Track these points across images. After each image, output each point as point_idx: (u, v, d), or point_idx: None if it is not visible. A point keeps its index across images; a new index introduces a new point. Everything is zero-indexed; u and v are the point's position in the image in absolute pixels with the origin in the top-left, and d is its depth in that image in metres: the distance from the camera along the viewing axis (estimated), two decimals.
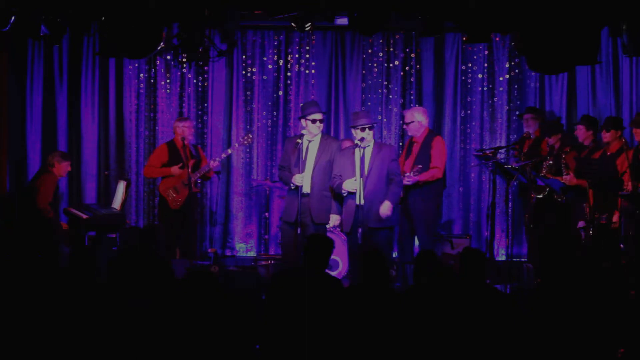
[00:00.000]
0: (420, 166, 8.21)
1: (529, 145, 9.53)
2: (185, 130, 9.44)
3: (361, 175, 7.78)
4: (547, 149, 9.30)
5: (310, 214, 8.07)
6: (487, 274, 5.78)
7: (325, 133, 8.62)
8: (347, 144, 8.42)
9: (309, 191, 8.09)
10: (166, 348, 5.01)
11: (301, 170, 8.03)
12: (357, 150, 7.85)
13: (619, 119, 8.92)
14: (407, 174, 8.23)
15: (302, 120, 8.20)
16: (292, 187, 8.11)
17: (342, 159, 7.99)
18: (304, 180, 8.04)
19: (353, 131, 7.98)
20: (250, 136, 9.75)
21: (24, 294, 5.36)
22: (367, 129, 7.86)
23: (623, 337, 5.31)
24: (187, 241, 9.57)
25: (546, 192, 8.86)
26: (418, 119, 8.67)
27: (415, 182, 8.35)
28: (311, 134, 8.13)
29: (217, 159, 9.54)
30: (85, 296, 5.30)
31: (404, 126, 8.90)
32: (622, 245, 7.94)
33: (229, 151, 9.85)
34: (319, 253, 5.82)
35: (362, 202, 7.76)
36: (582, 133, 8.86)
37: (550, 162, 8.95)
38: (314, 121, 8.10)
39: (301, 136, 8.14)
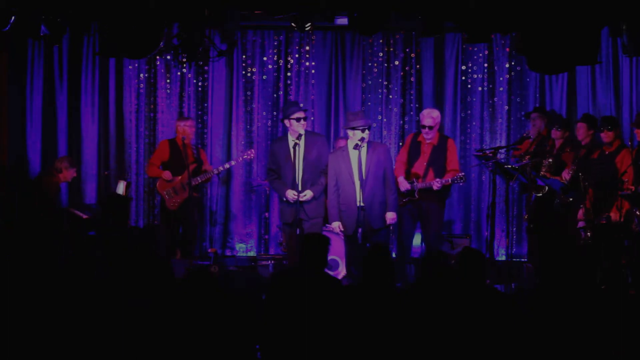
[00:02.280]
0: (462, 173, 8.40)
1: (537, 143, 9.49)
2: (186, 129, 9.46)
3: (359, 177, 7.80)
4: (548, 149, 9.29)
5: (304, 209, 8.09)
6: (486, 274, 5.79)
7: (307, 130, 8.58)
8: (342, 143, 8.41)
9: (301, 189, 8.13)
10: (166, 348, 5.01)
11: (294, 170, 8.05)
12: (354, 150, 7.87)
13: (616, 117, 8.94)
14: (438, 180, 8.30)
15: (286, 121, 8.20)
16: (284, 200, 8.15)
17: (335, 160, 8.00)
18: (298, 178, 8.07)
19: (350, 132, 7.98)
20: (252, 151, 9.84)
21: (23, 294, 5.36)
22: (366, 129, 7.90)
23: (622, 337, 5.31)
24: (187, 241, 9.57)
25: (545, 191, 8.85)
26: (439, 121, 8.71)
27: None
28: (296, 133, 8.13)
29: (219, 168, 9.62)
30: (85, 296, 5.30)
31: (425, 129, 8.58)
32: (626, 242, 7.94)
33: (233, 162, 9.88)
34: (316, 252, 5.81)
35: (362, 203, 7.82)
36: (583, 132, 8.81)
37: (550, 161, 8.94)
38: (298, 119, 8.11)
39: (285, 138, 8.21)
